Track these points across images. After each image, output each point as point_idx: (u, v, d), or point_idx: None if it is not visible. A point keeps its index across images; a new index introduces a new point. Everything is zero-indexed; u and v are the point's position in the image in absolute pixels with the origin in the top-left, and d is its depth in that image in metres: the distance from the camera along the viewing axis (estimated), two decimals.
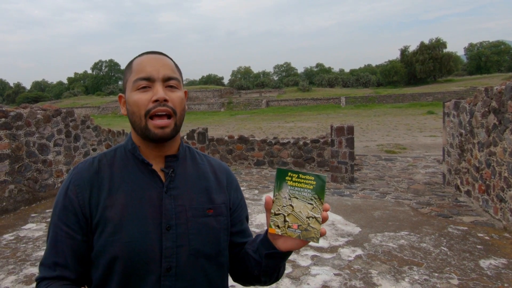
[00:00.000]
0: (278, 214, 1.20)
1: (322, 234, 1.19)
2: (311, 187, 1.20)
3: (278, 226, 1.20)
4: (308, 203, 1.19)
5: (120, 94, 1.42)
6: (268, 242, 1.29)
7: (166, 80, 1.30)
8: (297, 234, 1.19)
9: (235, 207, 1.49)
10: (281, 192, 1.21)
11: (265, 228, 1.26)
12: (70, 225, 1.26)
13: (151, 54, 1.35)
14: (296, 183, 1.20)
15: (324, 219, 1.20)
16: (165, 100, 1.26)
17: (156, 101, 1.26)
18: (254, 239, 1.44)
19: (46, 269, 1.25)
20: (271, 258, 1.30)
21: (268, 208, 1.23)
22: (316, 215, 1.19)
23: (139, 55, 1.37)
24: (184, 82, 1.48)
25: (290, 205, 1.19)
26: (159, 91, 1.26)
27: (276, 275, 1.39)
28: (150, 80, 1.28)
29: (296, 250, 1.24)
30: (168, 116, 1.28)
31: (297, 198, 1.20)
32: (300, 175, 1.21)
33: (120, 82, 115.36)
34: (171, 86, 1.31)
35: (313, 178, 1.20)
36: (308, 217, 1.19)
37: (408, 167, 11.66)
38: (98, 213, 1.25)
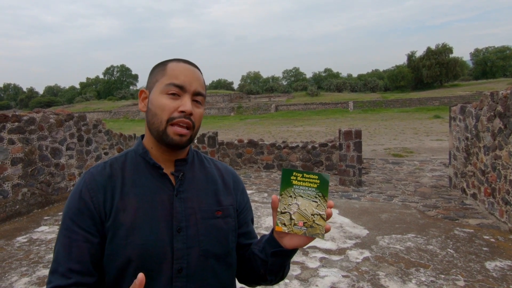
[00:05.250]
0: (284, 212, 1.23)
1: (327, 230, 1.23)
2: (315, 185, 1.24)
3: (284, 224, 1.23)
4: (313, 201, 1.23)
5: (143, 89, 1.42)
6: (274, 241, 1.31)
7: (195, 94, 1.33)
8: (303, 231, 1.22)
9: (241, 209, 1.52)
10: (286, 191, 1.24)
11: None
12: (87, 228, 1.25)
13: (188, 64, 1.37)
14: (301, 182, 1.24)
15: (329, 216, 1.23)
16: (190, 114, 1.30)
17: (182, 112, 1.28)
18: (259, 239, 1.47)
19: (59, 277, 1.20)
20: (277, 256, 1.32)
21: (274, 207, 1.26)
22: (321, 212, 1.22)
23: (175, 60, 1.38)
24: None
25: (296, 203, 1.23)
26: (187, 103, 1.29)
27: (282, 273, 1.42)
28: (182, 89, 1.30)
29: (302, 247, 1.30)
30: (187, 127, 1.31)
31: (302, 197, 1.23)
32: (305, 174, 1.25)
33: (131, 87, 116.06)
34: (197, 101, 1.34)
35: (317, 177, 1.24)
36: (313, 214, 1.22)
37: (415, 171, 11.66)
38: (111, 217, 1.26)
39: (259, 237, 1.54)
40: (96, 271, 1.25)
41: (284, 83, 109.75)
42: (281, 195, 1.25)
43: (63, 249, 1.24)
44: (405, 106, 48.42)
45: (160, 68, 1.38)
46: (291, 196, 1.24)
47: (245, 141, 13.00)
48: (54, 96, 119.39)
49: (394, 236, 6.06)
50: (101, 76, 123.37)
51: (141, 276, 1.02)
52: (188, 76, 1.32)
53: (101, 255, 1.26)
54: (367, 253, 5.43)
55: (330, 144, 11.74)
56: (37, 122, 8.32)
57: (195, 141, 12.76)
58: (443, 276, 4.64)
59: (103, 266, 1.27)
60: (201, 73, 1.41)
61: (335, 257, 5.32)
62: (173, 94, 1.30)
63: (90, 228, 1.25)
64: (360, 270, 4.91)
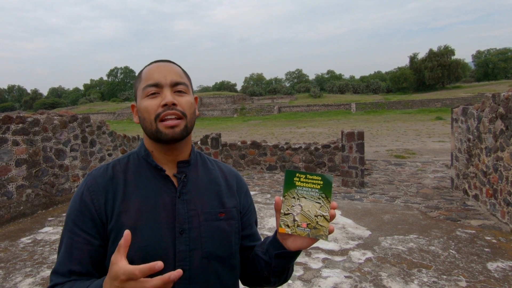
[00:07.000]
0: (288, 214, 1.22)
1: (331, 232, 1.21)
2: (319, 186, 1.23)
3: (288, 226, 1.21)
4: (316, 202, 1.21)
5: (132, 103, 1.43)
6: (278, 242, 1.30)
7: (174, 85, 1.32)
8: (306, 233, 1.20)
9: (244, 211, 1.51)
10: (290, 192, 1.23)
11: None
12: (88, 230, 1.25)
13: (159, 62, 1.38)
14: (304, 183, 1.23)
15: (332, 217, 1.22)
16: (174, 104, 1.28)
17: (165, 105, 1.27)
18: (263, 241, 1.45)
19: (59, 277, 1.23)
20: (281, 258, 1.30)
21: (277, 208, 1.24)
22: (324, 214, 1.21)
23: (148, 65, 1.39)
24: (197, 89, 1.49)
25: (299, 204, 1.21)
26: (167, 95, 1.28)
27: (285, 275, 1.41)
28: (158, 86, 1.30)
29: (305, 248, 1.30)
30: (177, 118, 1.29)
31: (305, 198, 1.22)
32: (308, 175, 1.24)
33: None
34: (179, 91, 1.32)
35: (320, 178, 1.23)
36: (316, 216, 1.20)
37: (417, 172, 11.69)
38: (113, 219, 1.26)
39: (262, 238, 1.54)
40: (97, 272, 1.26)
41: (287, 84, 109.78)
42: (284, 196, 1.24)
43: (65, 251, 1.26)
44: (407, 108, 48.44)
45: (137, 77, 1.41)
46: (294, 198, 1.23)
47: (248, 142, 13.04)
48: (58, 97, 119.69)
49: (396, 237, 6.07)
50: (105, 78, 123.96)
51: (126, 232, 1.04)
52: (161, 72, 1.33)
53: (102, 256, 1.27)
54: (369, 254, 5.44)
55: (332, 146, 11.77)
56: (41, 124, 8.35)
57: (198, 142, 12.79)
58: (445, 277, 4.65)
59: (106, 267, 1.26)
60: (178, 66, 1.42)
61: (337, 258, 5.34)
62: (152, 94, 1.31)
63: (91, 231, 1.26)
64: (362, 271, 4.92)
